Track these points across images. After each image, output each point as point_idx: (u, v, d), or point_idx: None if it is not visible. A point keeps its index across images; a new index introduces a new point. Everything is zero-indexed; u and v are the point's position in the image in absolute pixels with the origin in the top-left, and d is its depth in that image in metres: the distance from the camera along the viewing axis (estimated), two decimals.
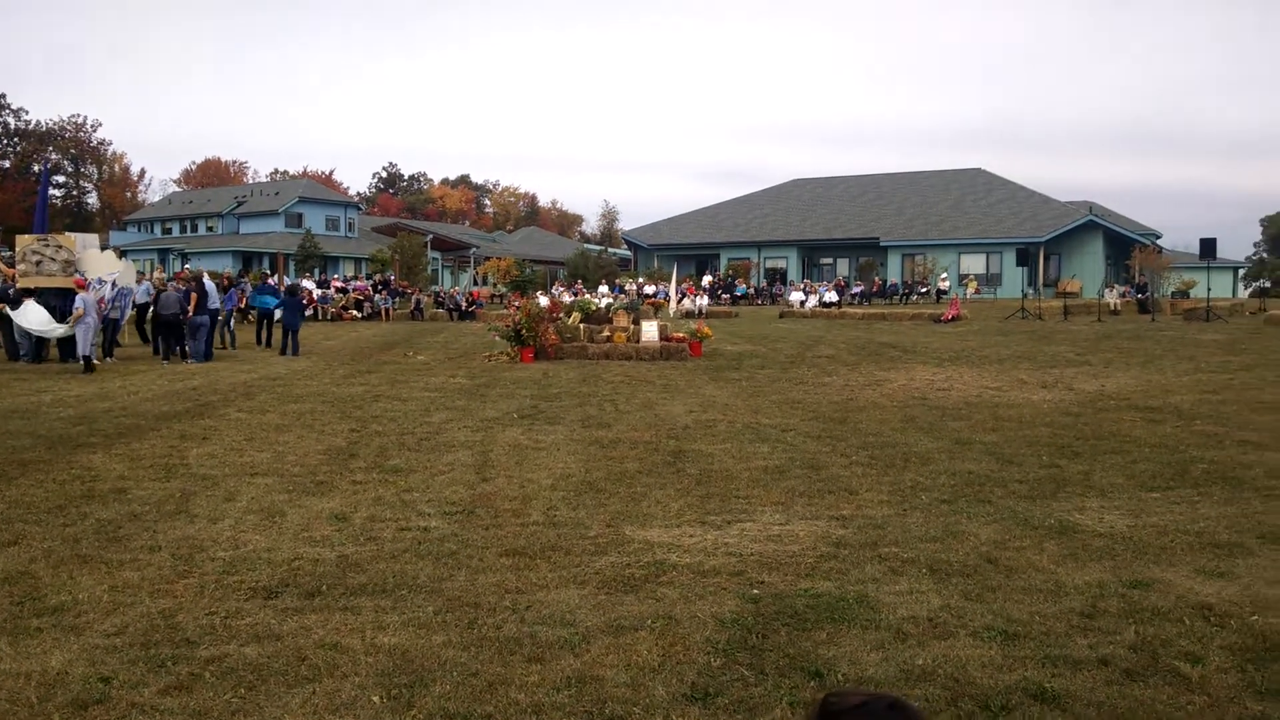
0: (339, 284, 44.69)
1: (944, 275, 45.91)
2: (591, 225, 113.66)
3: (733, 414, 13.23)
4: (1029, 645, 5.08)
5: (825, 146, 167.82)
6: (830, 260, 54.89)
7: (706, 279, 51.17)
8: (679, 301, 39.16)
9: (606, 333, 22.14)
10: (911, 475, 9.34)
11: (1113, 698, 4.47)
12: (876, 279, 48.68)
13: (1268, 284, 65.30)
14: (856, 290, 46.41)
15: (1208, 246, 29.33)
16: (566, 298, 32.95)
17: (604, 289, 44.99)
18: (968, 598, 5.85)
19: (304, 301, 29.32)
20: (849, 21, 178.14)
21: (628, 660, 4.90)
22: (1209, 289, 30.82)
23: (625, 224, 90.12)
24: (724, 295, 48.22)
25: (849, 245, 52.83)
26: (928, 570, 6.38)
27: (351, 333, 29.89)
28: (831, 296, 42.05)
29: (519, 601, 5.77)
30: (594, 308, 24.60)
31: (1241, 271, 62.33)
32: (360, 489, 8.82)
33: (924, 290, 45.38)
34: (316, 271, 52.32)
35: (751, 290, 50.18)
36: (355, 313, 38.05)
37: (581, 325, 22.63)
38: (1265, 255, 69.38)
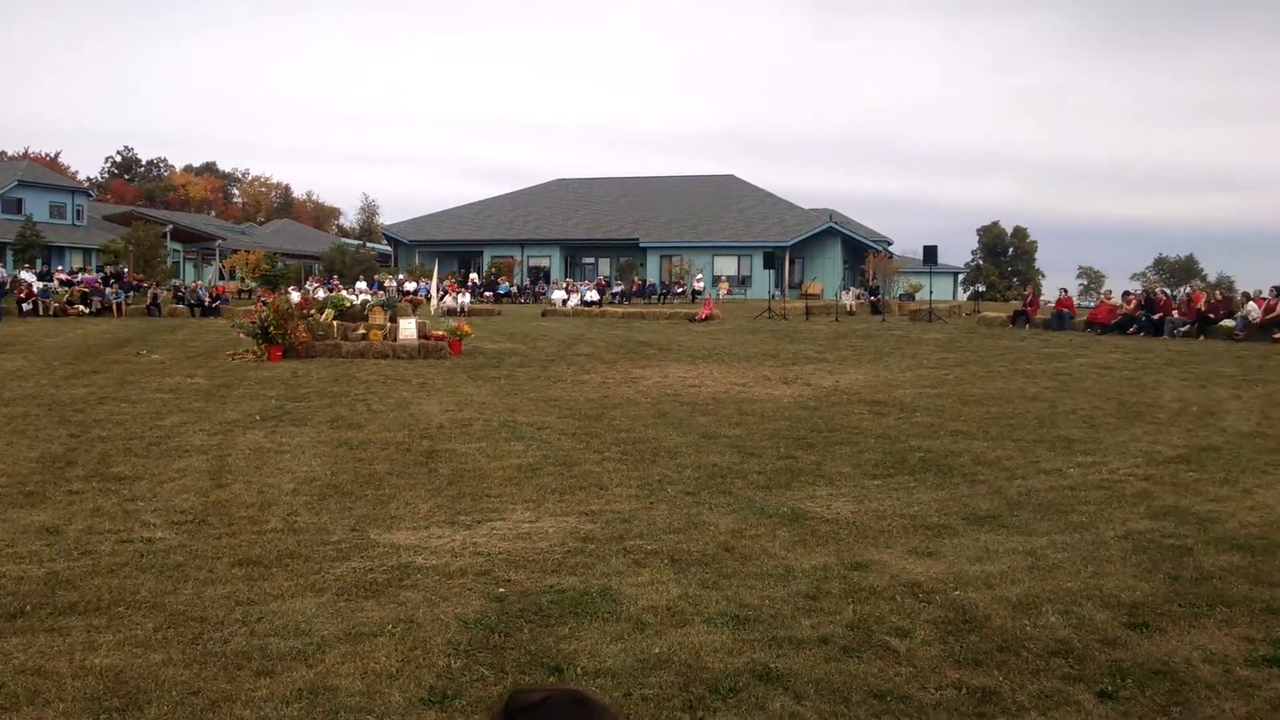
0: (64, 276, 40.83)
1: (699, 276, 47.68)
2: (350, 219, 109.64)
3: (489, 412, 13.16)
4: (758, 628, 5.36)
5: (588, 148, 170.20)
6: (592, 260, 55.71)
7: (473, 276, 50.65)
8: (440, 299, 38.54)
9: (362, 330, 21.46)
10: (660, 469, 9.64)
11: (831, 674, 4.79)
12: (636, 279, 49.88)
13: (983, 288, 72.11)
14: (617, 289, 47.36)
15: (930, 253, 32.09)
16: (321, 293, 31.65)
17: (362, 285, 43.53)
18: (705, 586, 6.10)
19: None
20: (613, 25, 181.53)
21: (364, 668, 4.78)
22: (931, 292, 33.76)
23: (386, 218, 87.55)
24: (486, 293, 47.91)
25: (610, 245, 53.82)
26: (669, 561, 6.61)
27: (77, 329, 27.40)
28: (593, 295, 42.71)
29: (250, 613, 5.49)
30: (349, 304, 23.78)
31: (961, 276, 68.40)
32: (77, 499, 8.10)
33: (680, 290, 46.95)
34: (39, 263, 47.57)
35: (514, 289, 50.13)
36: (82, 308, 34.89)
37: (335, 322, 21.82)
38: (981, 262, 76.46)
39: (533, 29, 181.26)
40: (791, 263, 49.08)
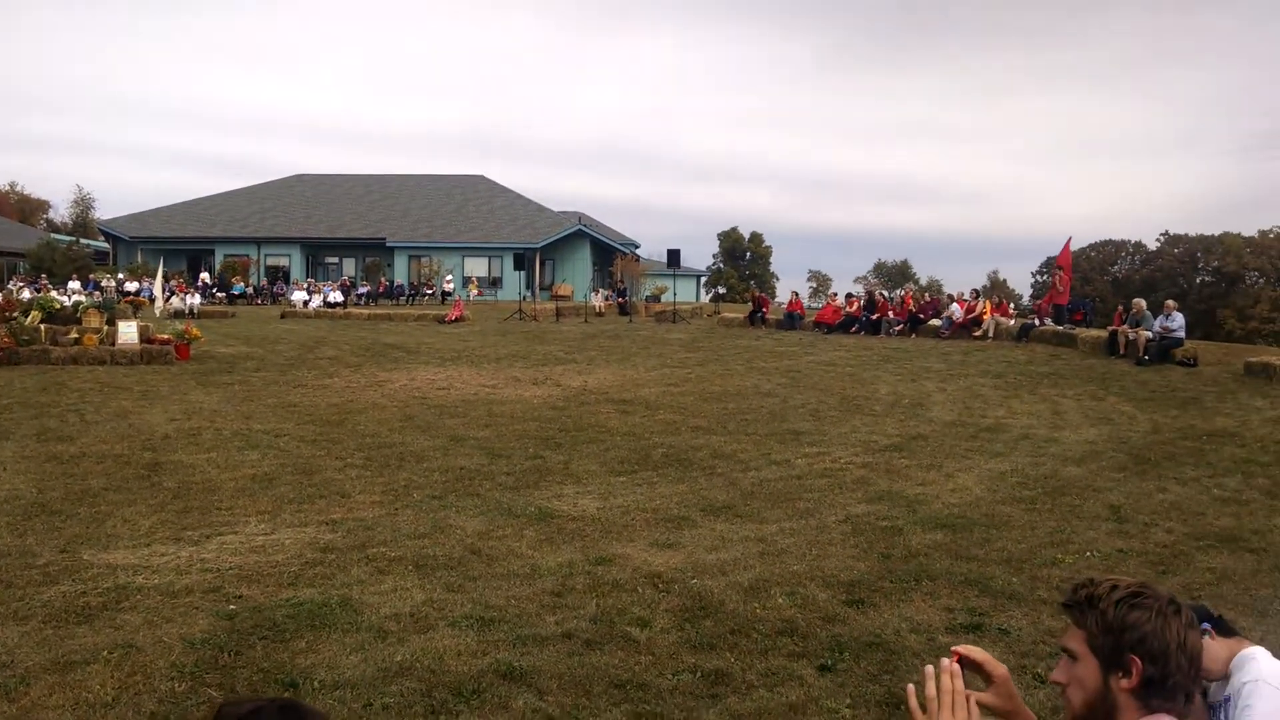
0: None
1: (449, 277, 47.03)
2: (61, 213, 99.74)
3: (221, 421, 12.41)
4: (503, 628, 5.38)
5: (328, 143, 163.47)
6: (336, 259, 53.58)
7: (204, 276, 47.43)
8: (167, 300, 35.85)
9: (74, 334, 19.61)
10: (406, 474, 9.45)
11: (574, 668, 4.89)
12: (383, 279, 48.50)
13: (724, 290, 75.53)
14: (363, 290, 45.85)
15: (673, 256, 33.29)
16: (26, 294, 28.64)
17: (75, 285, 39.78)
18: (450, 589, 6.05)
19: None
20: (355, 19, 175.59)
21: (76, 698, 4.40)
22: (675, 294, 35.02)
23: (103, 213, 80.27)
24: (219, 294, 45.05)
25: (355, 245, 52.00)
26: (414, 567, 6.50)
27: None
28: (336, 296, 41.11)
29: None
30: (59, 306, 21.66)
31: (704, 279, 71.35)
32: None
33: (430, 292, 46.11)
34: None
35: (250, 289, 47.43)
36: None
37: (43, 326, 19.82)
38: (722, 265, 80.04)
39: (266, 16, 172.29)
40: (542, 264, 49.37)
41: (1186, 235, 57.83)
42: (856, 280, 74.11)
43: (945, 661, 2.08)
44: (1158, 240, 59.05)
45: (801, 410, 13.66)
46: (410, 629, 5.36)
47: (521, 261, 35.68)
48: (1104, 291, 51.54)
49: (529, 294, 42.19)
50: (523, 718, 4.34)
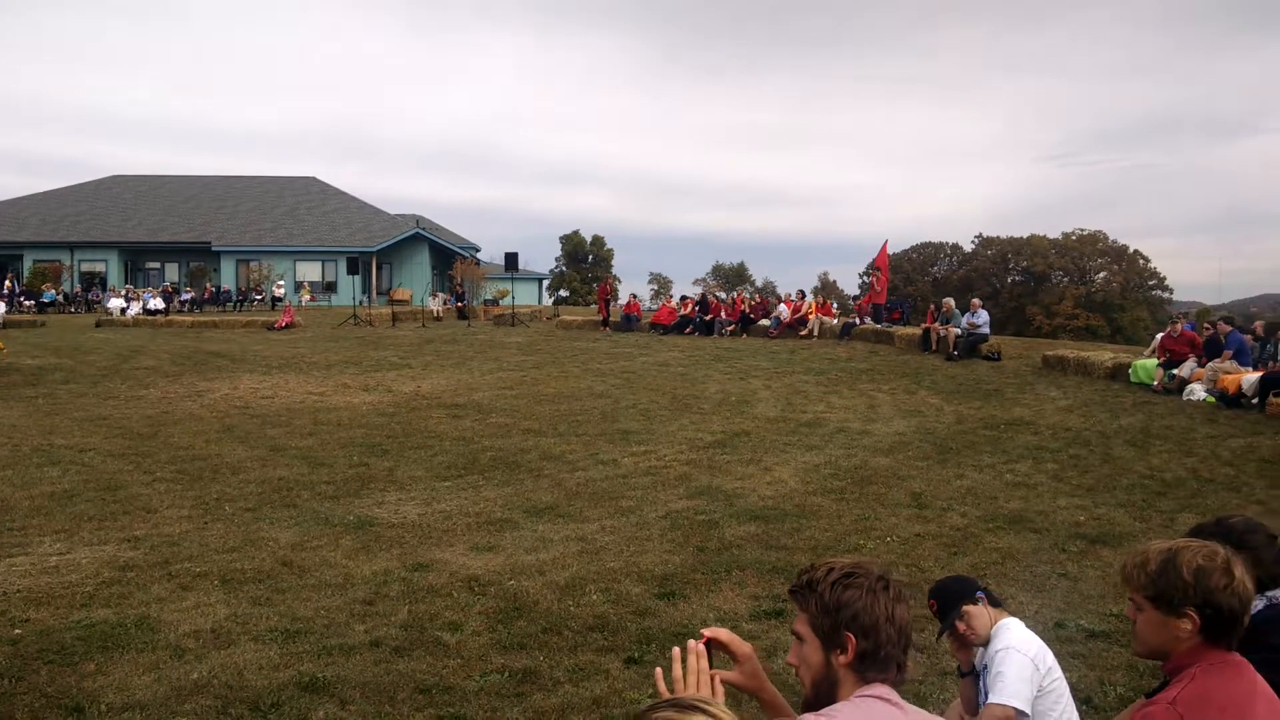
0: None
1: (280, 282, 45.39)
2: None
3: (20, 436, 11.66)
4: (309, 640, 5.29)
5: (150, 144, 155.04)
6: (157, 265, 50.89)
7: (9, 282, 44.18)
8: None
9: None
10: (219, 487, 9.12)
11: (379, 676, 4.85)
12: (209, 285, 46.40)
13: (566, 293, 75.66)
14: (187, 297, 43.74)
15: (511, 260, 33.17)
16: None
17: None
18: (257, 603, 5.90)
19: None
20: (179, 17, 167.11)
21: None
22: (514, 298, 34.89)
23: None
24: (28, 302, 42.09)
25: (178, 249, 49.53)
26: (220, 582, 6.30)
27: None
28: (158, 304, 39.08)
29: None
30: None
31: (546, 282, 71.26)
32: None
33: (259, 297, 44.39)
34: None
35: (62, 297, 44.52)
36: None
37: None
38: (564, 268, 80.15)
39: (87, 13, 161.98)
40: (379, 269, 48.27)
41: (999, 237, 61.59)
42: (696, 282, 75.56)
43: (692, 643, 2.21)
44: (973, 242, 62.68)
45: (632, 410, 13.87)
46: (210, 645, 5.21)
47: (356, 265, 34.80)
48: (925, 291, 54.22)
49: (365, 299, 41.20)
50: None
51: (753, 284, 70.51)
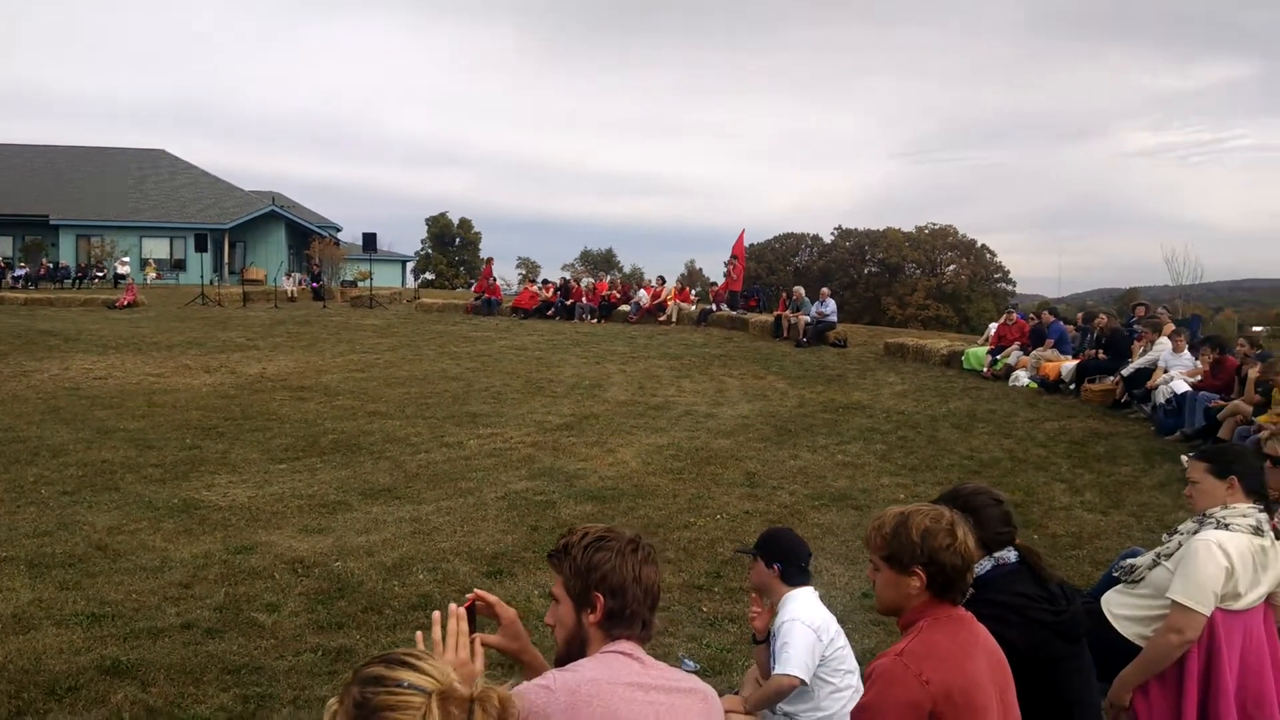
0: None
1: (124, 259, 43.20)
2: None
3: None
4: (116, 624, 5.14)
5: None
6: None
7: None
8: None
9: None
10: (37, 470, 8.71)
11: (187, 658, 4.76)
12: (46, 261, 43.77)
13: (432, 276, 74.41)
14: (20, 273, 41.16)
15: (369, 240, 32.43)
16: None
17: None
18: (64, 587, 5.69)
19: None
20: None
21: None
22: (372, 280, 34.17)
23: None
24: None
25: (11, 222, 46.47)
26: (27, 566, 6.05)
27: None
28: None
29: None
30: None
31: (411, 264, 69.90)
32: None
33: (101, 274, 42.15)
34: None
35: None
36: None
37: None
38: (430, 251, 78.78)
39: None
40: (232, 247, 46.47)
41: (857, 230, 63.55)
42: (564, 267, 75.36)
43: (454, 606, 2.28)
44: (832, 234, 64.54)
45: (484, 393, 13.83)
46: (10, 630, 5.01)
47: (206, 243, 33.46)
48: (787, 280, 55.54)
49: (216, 278, 39.66)
50: (119, 711, 4.20)
51: (620, 269, 70.93)
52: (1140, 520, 7.83)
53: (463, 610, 2.28)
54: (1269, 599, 3.74)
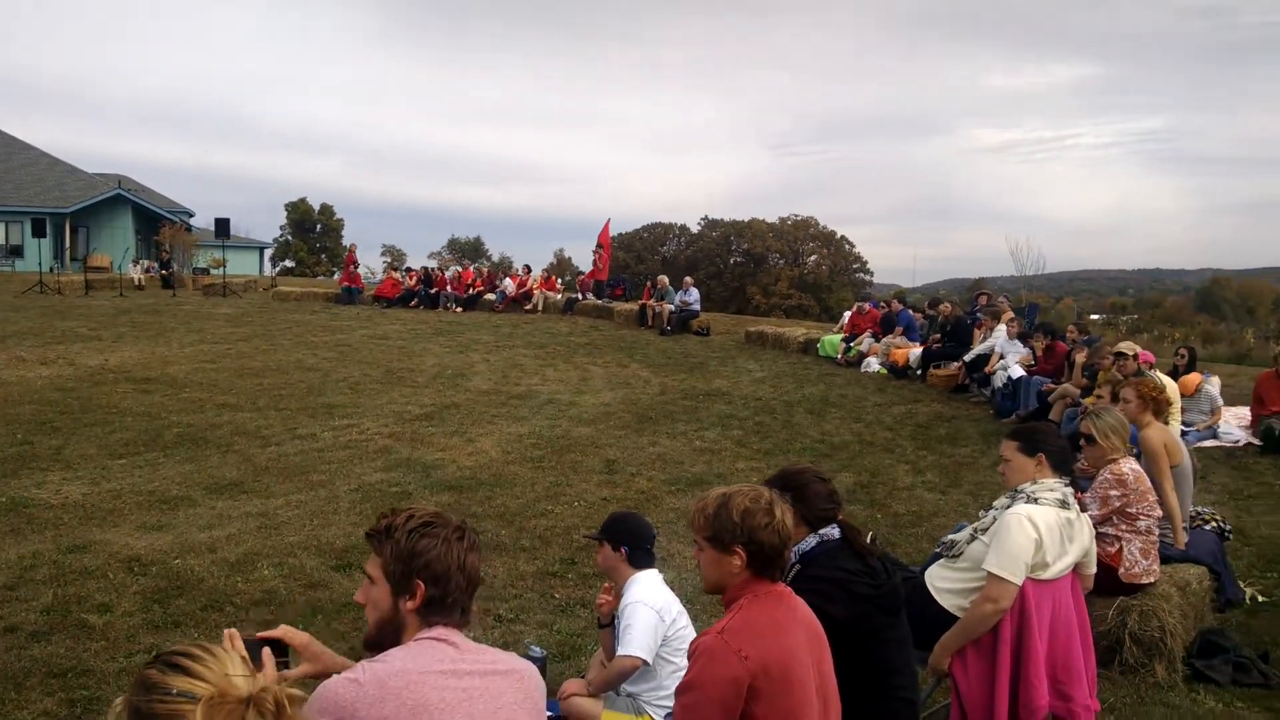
0: None
1: None
2: None
3: None
4: None
5: None
6: None
7: None
8: None
9: None
10: None
11: (10, 663, 4.53)
12: None
13: (292, 264, 72.03)
14: None
15: (222, 226, 31.18)
16: None
17: None
18: None
19: None
20: None
21: None
22: (225, 266, 32.87)
23: None
24: None
25: None
26: None
27: None
28: None
29: None
30: None
31: (269, 251, 67.49)
32: None
33: None
34: None
35: None
36: None
37: None
38: (290, 238, 76.29)
39: None
40: (74, 232, 43.94)
41: (723, 220, 64.59)
42: (431, 255, 73.97)
43: (231, 631, 2.15)
44: (699, 224, 65.37)
45: (342, 384, 13.51)
46: None
47: (44, 228, 31.52)
48: (656, 269, 56.05)
49: (57, 265, 37.47)
50: None
51: (489, 258, 70.06)
52: (977, 498, 8.25)
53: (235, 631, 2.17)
54: (1076, 568, 4.02)
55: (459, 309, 24.08)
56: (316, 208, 77.96)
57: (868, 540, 5.36)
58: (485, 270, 27.93)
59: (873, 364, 15.11)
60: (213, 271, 34.80)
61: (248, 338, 18.73)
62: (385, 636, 2.26)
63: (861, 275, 61.78)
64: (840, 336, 16.71)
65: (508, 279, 25.04)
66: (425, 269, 27.08)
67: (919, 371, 14.21)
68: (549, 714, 4.17)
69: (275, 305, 26.11)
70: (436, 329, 20.48)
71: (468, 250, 71.92)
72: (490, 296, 24.38)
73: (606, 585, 4.17)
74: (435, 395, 12.85)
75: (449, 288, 25.06)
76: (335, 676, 2.09)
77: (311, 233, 77.33)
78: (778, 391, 13.57)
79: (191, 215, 54.95)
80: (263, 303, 26.68)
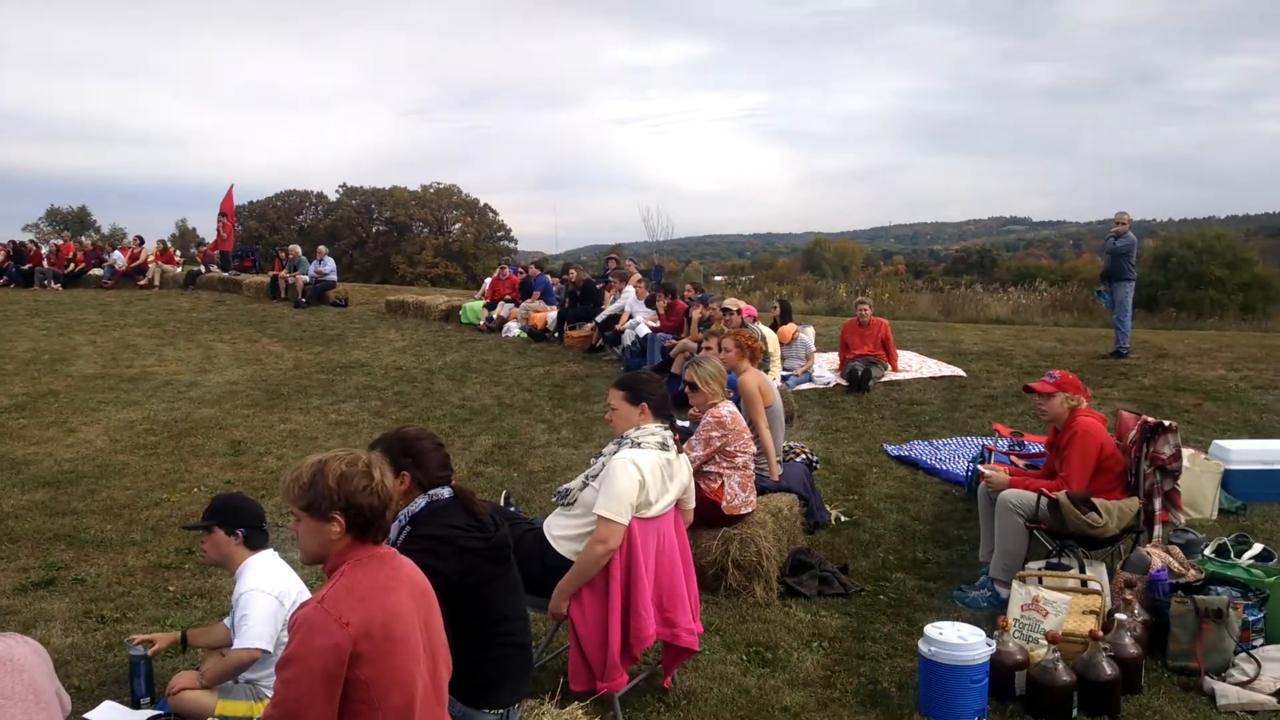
0: None
1: None
2: None
3: None
4: None
5: None
6: None
7: None
8: None
9: None
10: None
11: None
12: None
13: None
14: None
15: None
16: None
17: None
18: None
19: None
20: None
21: None
22: None
23: None
24: None
25: None
26: None
27: None
28: None
29: None
30: None
31: None
32: None
33: None
34: None
35: None
36: None
37: None
38: None
39: None
40: None
41: (362, 188, 62.43)
42: (26, 228, 65.03)
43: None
44: (337, 192, 62.74)
45: None
46: None
47: None
48: (292, 239, 53.24)
49: None
50: None
51: (97, 230, 62.80)
52: None
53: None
54: (678, 504, 4.36)
55: (58, 286, 21.51)
56: None
57: (502, 499, 5.52)
58: (90, 243, 25.12)
59: (513, 328, 15.37)
60: None
61: None
62: None
63: (506, 243, 62.36)
64: (482, 303, 16.82)
65: (117, 252, 22.71)
66: (14, 243, 23.85)
67: (556, 334, 14.65)
68: (159, 712, 3.92)
69: None
70: (32, 310, 18.18)
71: (71, 221, 64.14)
72: (97, 272, 21.98)
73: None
74: (28, 384, 11.44)
75: (45, 263, 22.29)
76: None
77: None
78: (419, 360, 13.44)
79: None
80: None
